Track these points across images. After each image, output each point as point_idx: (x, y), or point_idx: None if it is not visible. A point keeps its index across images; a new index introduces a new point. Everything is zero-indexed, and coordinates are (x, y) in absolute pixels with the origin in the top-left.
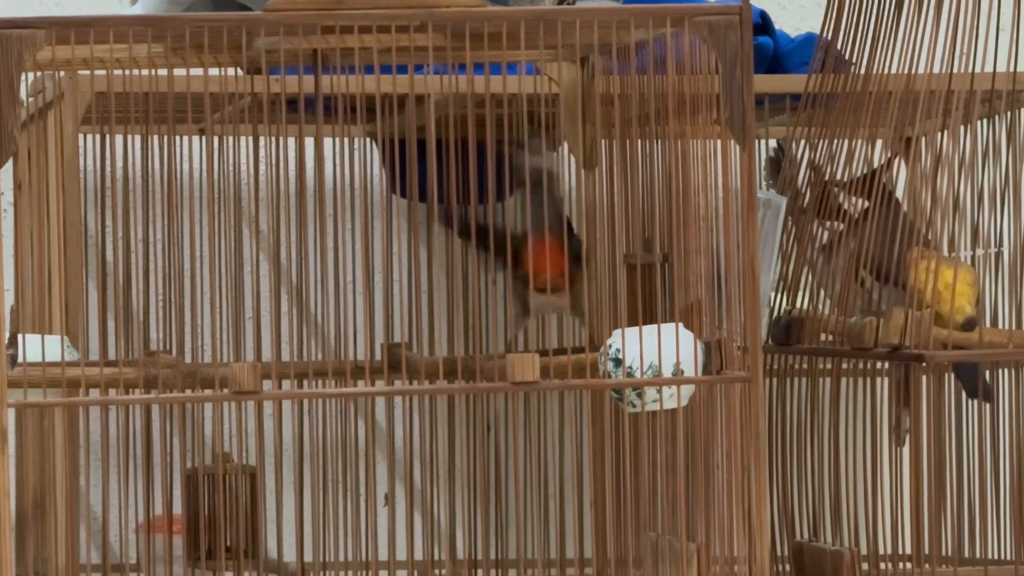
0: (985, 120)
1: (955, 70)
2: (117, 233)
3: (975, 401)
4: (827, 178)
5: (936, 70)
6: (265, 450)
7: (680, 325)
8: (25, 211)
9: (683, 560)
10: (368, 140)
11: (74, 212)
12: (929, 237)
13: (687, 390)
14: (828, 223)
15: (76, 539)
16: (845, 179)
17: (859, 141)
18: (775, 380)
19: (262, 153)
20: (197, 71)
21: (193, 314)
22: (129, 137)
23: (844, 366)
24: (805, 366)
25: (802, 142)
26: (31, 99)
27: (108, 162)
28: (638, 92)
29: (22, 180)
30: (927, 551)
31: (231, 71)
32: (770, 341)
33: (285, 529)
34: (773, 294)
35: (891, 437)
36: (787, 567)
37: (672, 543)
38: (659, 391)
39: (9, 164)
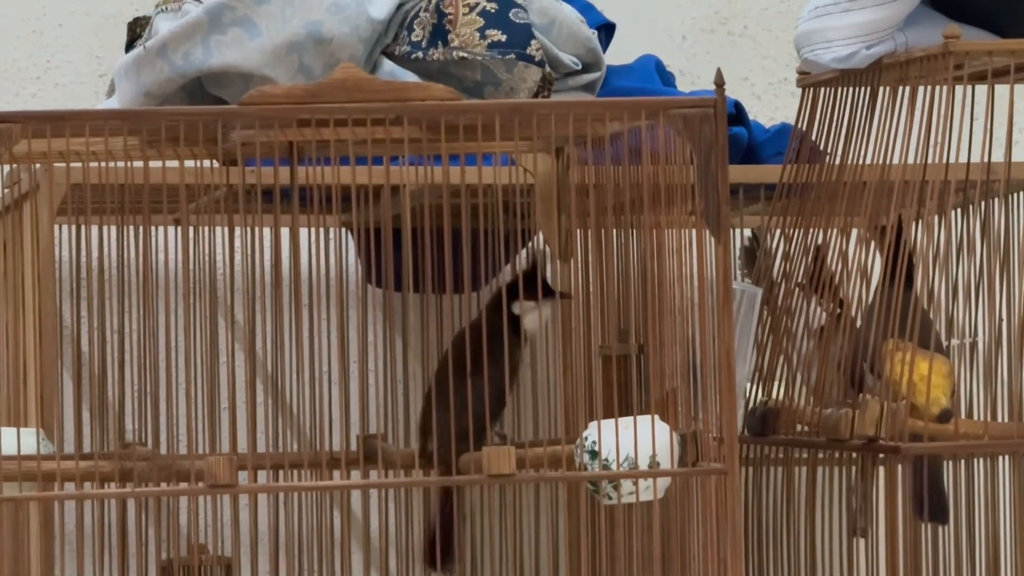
0: (959, 210)
1: (929, 160)
2: (92, 324)
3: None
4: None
5: (910, 160)
6: (241, 541)
7: (656, 417)
8: (0, 302)
9: None
10: (344, 230)
11: (49, 303)
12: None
13: (663, 482)
14: (824, 305)
15: None
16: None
17: (833, 231)
18: (751, 469)
19: (237, 243)
20: (173, 163)
21: (168, 405)
22: (104, 228)
23: (820, 456)
24: (781, 456)
25: (777, 232)
26: (7, 190)
27: (84, 253)
28: (613, 182)
29: None
30: None
31: (207, 162)
32: (746, 431)
33: None
34: (748, 384)
35: (849, 528)
36: None
37: None
38: (635, 483)
39: None
